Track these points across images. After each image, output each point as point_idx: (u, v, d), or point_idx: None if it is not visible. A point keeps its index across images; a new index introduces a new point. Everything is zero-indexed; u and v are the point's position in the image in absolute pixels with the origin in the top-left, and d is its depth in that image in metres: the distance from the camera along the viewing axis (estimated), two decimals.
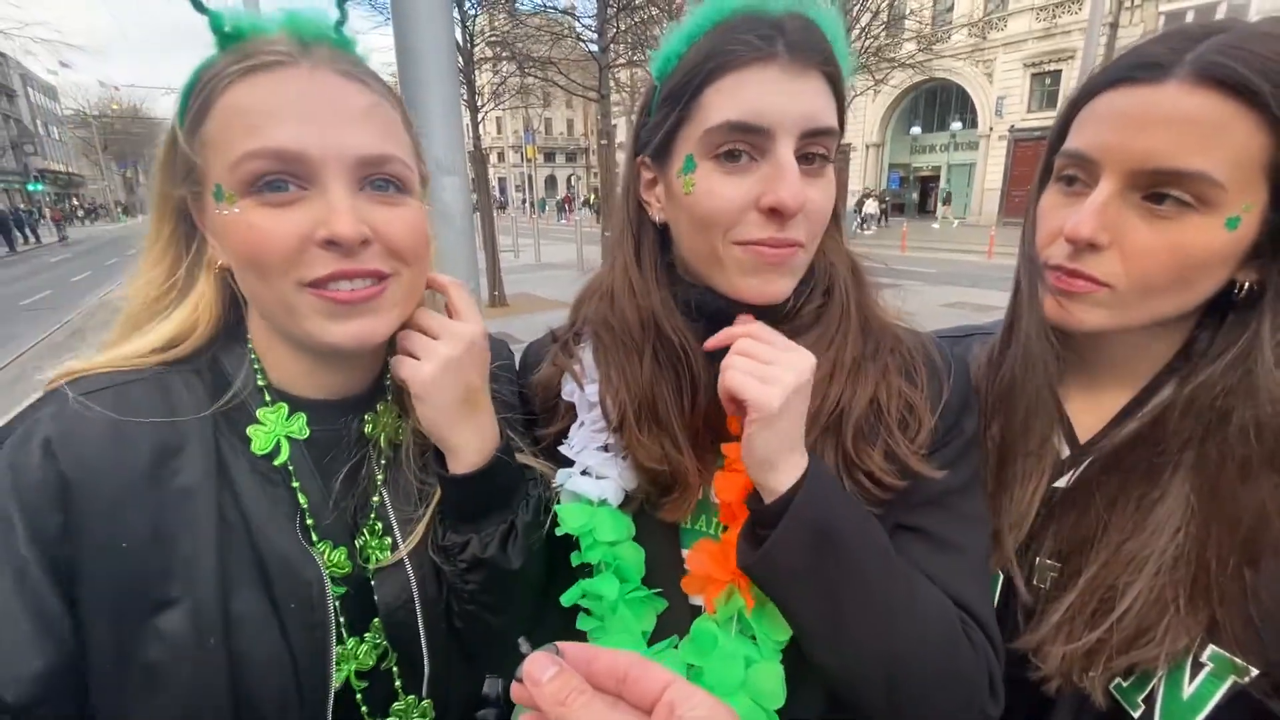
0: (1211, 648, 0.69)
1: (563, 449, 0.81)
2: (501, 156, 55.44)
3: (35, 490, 0.59)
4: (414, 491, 0.78)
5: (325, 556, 0.71)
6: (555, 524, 0.79)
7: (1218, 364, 0.71)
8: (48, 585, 0.59)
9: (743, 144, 0.67)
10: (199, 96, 0.64)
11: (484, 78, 12.34)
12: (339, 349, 0.67)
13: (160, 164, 0.69)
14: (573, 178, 61.89)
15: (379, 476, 0.77)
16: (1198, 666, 0.70)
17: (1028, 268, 0.81)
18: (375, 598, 0.73)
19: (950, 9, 25.18)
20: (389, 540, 0.75)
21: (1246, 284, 0.71)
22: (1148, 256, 0.69)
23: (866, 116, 29.26)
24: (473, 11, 9.86)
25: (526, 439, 0.85)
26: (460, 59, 9.58)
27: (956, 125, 27.70)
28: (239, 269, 0.66)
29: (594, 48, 9.70)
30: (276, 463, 0.70)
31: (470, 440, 0.73)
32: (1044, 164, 0.83)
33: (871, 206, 24.90)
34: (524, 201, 46.58)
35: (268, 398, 0.72)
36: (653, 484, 0.76)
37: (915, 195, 32.43)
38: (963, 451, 0.76)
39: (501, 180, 54.87)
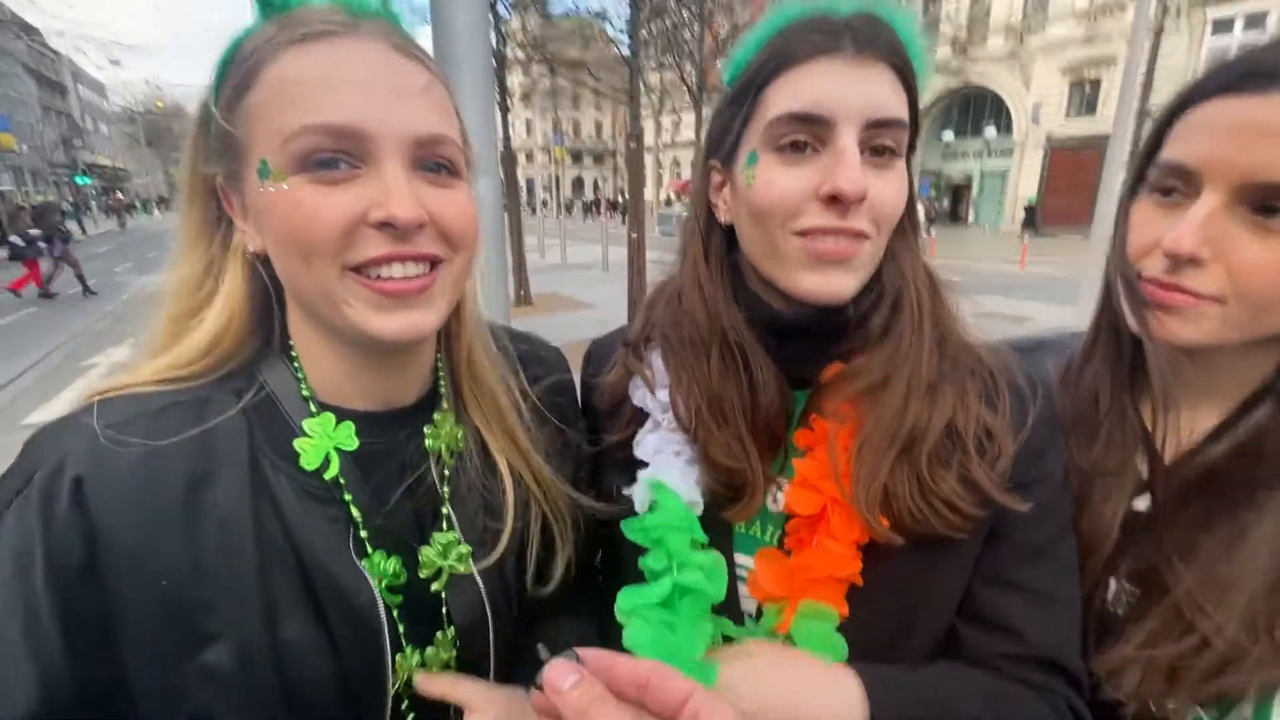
0: None
1: (637, 451, 0.78)
2: (530, 157, 55.90)
3: (63, 530, 0.56)
4: (479, 500, 0.75)
5: (380, 568, 0.67)
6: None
7: None
8: (56, 629, 0.55)
9: (804, 134, 0.66)
10: (242, 66, 0.59)
11: (514, 79, 12.46)
12: (385, 342, 0.63)
13: (192, 141, 0.65)
14: (599, 179, 62.15)
15: (444, 489, 0.74)
16: None
17: (1121, 281, 0.78)
18: (445, 609, 0.72)
19: (988, 13, 24.71)
20: (464, 550, 0.72)
21: None
22: (1258, 271, 0.66)
23: None
24: (506, 14, 9.98)
25: (581, 460, 0.86)
26: (494, 61, 9.69)
27: (990, 132, 27.15)
28: (280, 252, 0.62)
29: (625, 50, 9.74)
30: (327, 476, 0.66)
31: None
32: (1135, 173, 0.80)
33: (919, 213, 24.36)
34: (550, 201, 46.92)
35: (313, 408, 0.68)
36: (725, 484, 0.74)
37: (947, 202, 31.86)
38: (1054, 492, 0.73)
39: (530, 181, 55.33)
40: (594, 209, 44.62)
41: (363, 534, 0.67)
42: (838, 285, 0.68)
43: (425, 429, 0.74)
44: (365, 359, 0.69)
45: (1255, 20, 17.36)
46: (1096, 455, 0.81)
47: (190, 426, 0.62)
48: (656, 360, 0.81)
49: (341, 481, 0.67)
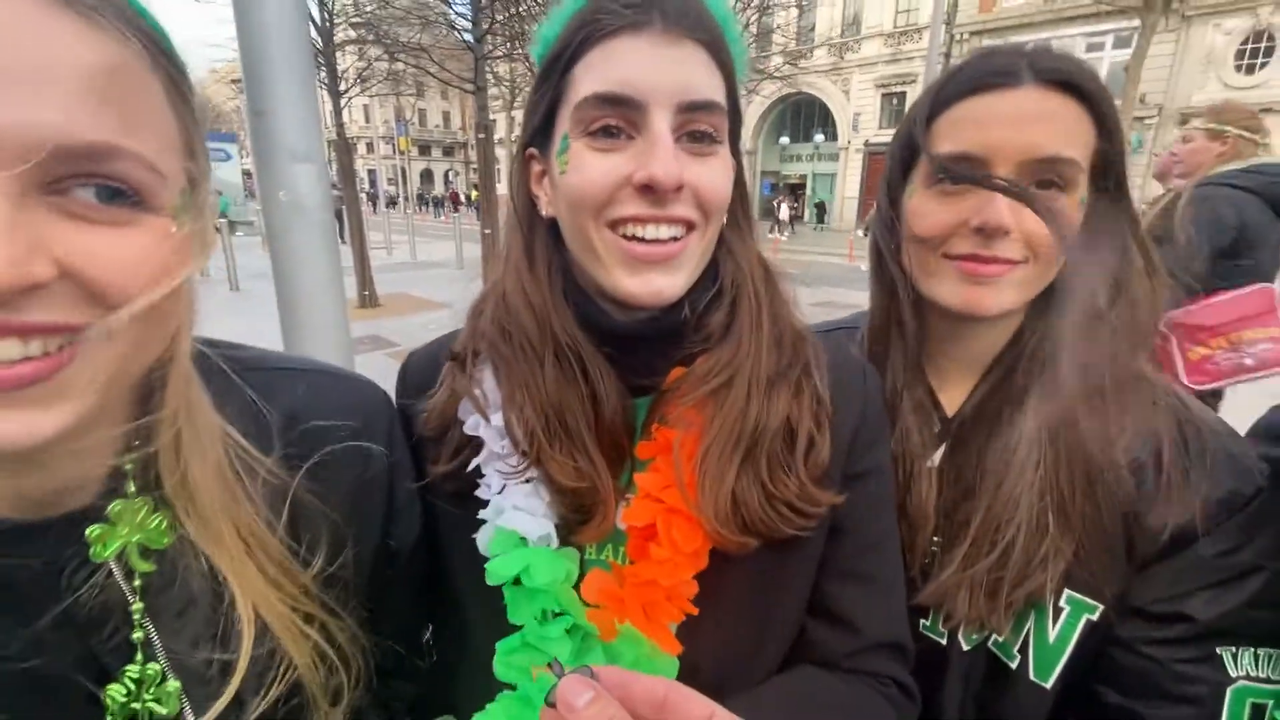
0: (1067, 592, 0.79)
1: (481, 492, 0.70)
2: (371, 147, 51.99)
3: None
4: (200, 617, 0.56)
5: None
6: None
7: (1057, 320, 0.81)
8: None
9: (615, 119, 0.62)
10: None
11: (347, 60, 11.47)
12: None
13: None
14: (450, 172, 59.40)
15: (135, 604, 0.53)
16: (1058, 611, 0.80)
17: (908, 261, 0.85)
18: None
19: (813, 28, 27.09)
20: (172, 688, 0.55)
21: None
22: (1043, 236, 0.76)
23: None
24: None
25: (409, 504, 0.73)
26: (319, 39, 8.84)
27: (819, 137, 29.84)
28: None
29: (469, 37, 9.33)
30: None
31: None
32: (900, 170, 0.88)
33: (784, 211, 26.05)
34: (398, 196, 44.00)
35: None
36: (574, 509, 0.68)
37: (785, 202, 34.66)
38: (885, 481, 0.77)
39: (372, 172, 51.49)
40: (440, 203, 42.33)
41: None
42: (659, 286, 0.65)
43: (92, 530, 0.51)
44: None
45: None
46: (902, 436, 0.88)
47: None
48: (487, 377, 0.72)
49: None
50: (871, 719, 0.70)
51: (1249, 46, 18.14)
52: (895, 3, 25.71)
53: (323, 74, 9.27)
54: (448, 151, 59.21)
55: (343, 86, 10.19)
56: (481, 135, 8.52)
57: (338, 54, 10.03)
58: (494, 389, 0.71)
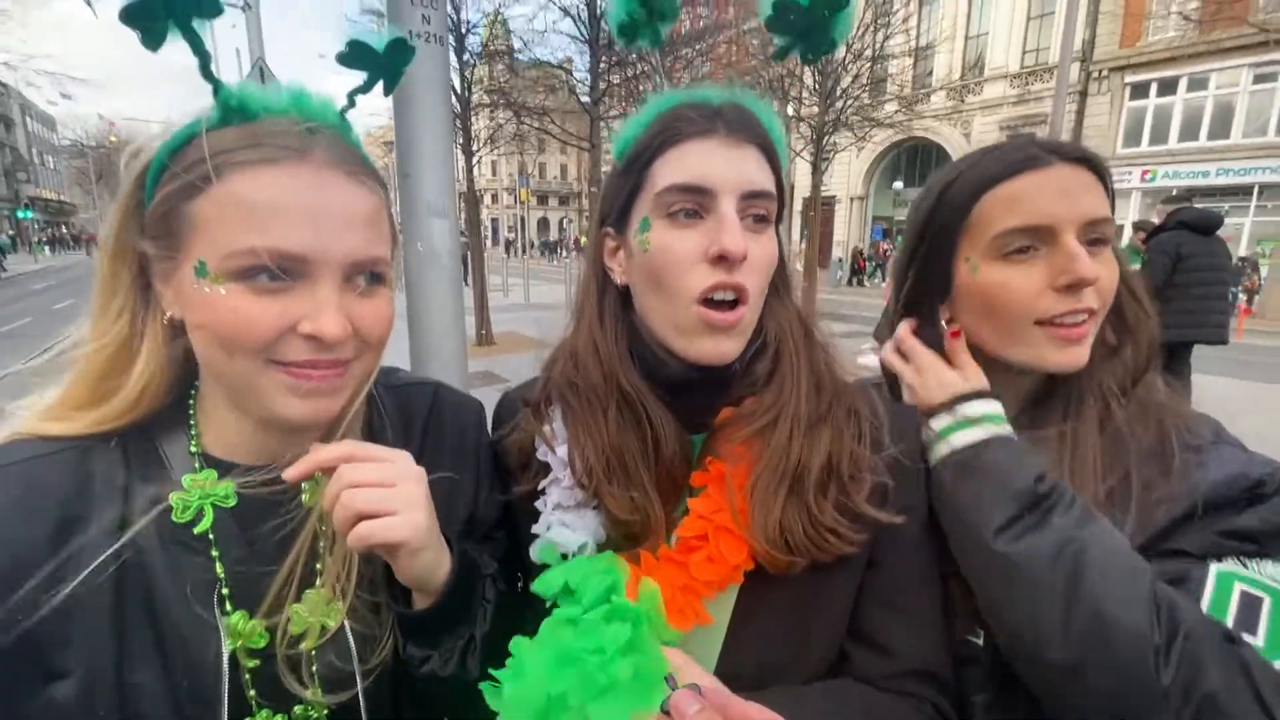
0: None
1: (538, 504, 0.83)
2: (495, 198, 56.29)
3: None
4: (354, 558, 0.75)
5: (236, 627, 0.69)
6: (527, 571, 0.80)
7: None
8: None
9: (690, 203, 0.74)
10: (194, 168, 0.61)
11: (480, 122, 12.67)
12: (295, 425, 0.68)
13: (124, 211, 0.66)
14: (565, 220, 62.89)
15: (323, 542, 0.75)
16: None
17: (1029, 329, 0.88)
18: (314, 668, 0.71)
19: (930, 73, 26.41)
20: (338, 607, 0.73)
21: None
22: (1110, 285, 0.87)
23: (851, 171, 30.19)
24: (471, 62, 10.21)
25: (492, 493, 0.89)
26: (457, 105, 9.85)
27: None
28: (204, 341, 0.65)
29: (586, 99, 10.05)
30: (197, 530, 0.69)
31: (432, 574, 0.70)
32: (941, 241, 0.93)
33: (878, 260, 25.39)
34: (514, 242, 47.10)
35: (197, 465, 0.71)
36: (624, 536, 0.79)
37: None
38: (921, 521, 0.82)
39: (494, 220, 55.57)
40: (556, 249, 44.75)
41: (224, 591, 0.69)
42: (726, 349, 0.76)
43: (304, 484, 0.73)
44: (263, 427, 0.72)
45: (1167, 86, 18.99)
46: None
47: (69, 474, 0.66)
48: (557, 418, 0.85)
49: (211, 537, 0.69)
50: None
51: None
52: (1023, 42, 24.56)
53: (459, 136, 10.28)
54: (563, 201, 62.87)
55: (475, 146, 11.24)
56: (594, 188, 9.04)
57: (472, 117, 11.11)
58: (562, 428, 0.83)
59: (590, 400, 0.81)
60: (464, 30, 9.67)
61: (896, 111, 15.73)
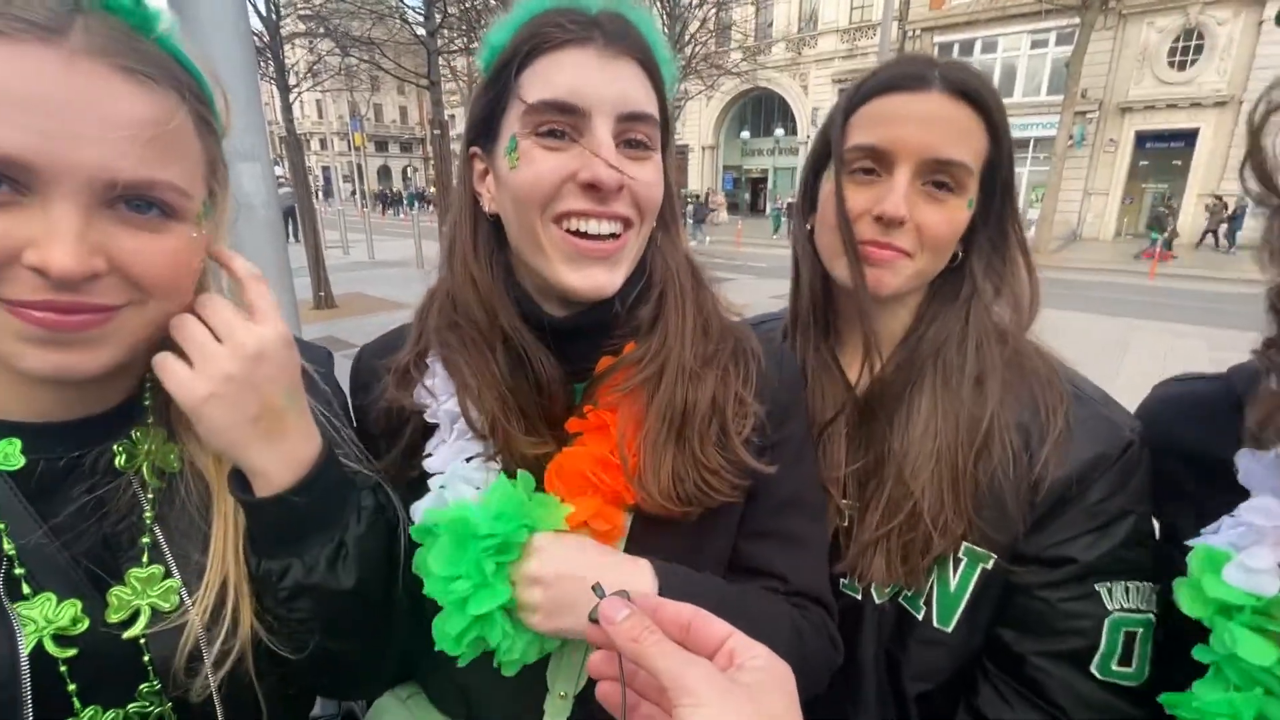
0: (965, 544, 0.88)
1: (427, 465, 0.75)
2: (325, 144, 50.56)
3: None
4: (198, 531, 0.66)
5: (42, 614, 0.59)
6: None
7: (949, 307, 0.93)
8: None
9: (561, 123, 0.67)
10: None
11: (296, 54, 11.13)
12: (42, 379, 0.57)
13: None
14: (409, 169, 58.20)
15: (148, 513, 0.65)
16: (957, 562, 0.88)
17: (844, 243, 0.89)
18: (146, 657, 0.62)
19: (770, 24, 27.39)
20: (173, 584, 0.64)
21: (959, 253, 0.92)
22: (935, 230, 0.86)
23: (701, 120, 30.89)
24: None
25: (354, 447, 0.77)
26: (265, 31, 8.55)
27: (780, 132, 30.21)
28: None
29: (421, 31, 9.14)
30: None
31: (274, 461, 0.63)
32: (817, 160, 0.96)
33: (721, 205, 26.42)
34: (353, 193, 42.78)
35: None
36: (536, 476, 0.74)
37: (747, 195, 34.89)
38: (797, 449, 0.83)
39: (326, 169, 50.11)
40: (398, 201, 41.00)
41: (18, 571, 0.59)
42: (600, 281, 0.70)
43: (116, 445, 0.65)
44: (35, 379, 0.59)
45: (966, 47, 21.41)
46: (814, 408, 0.97)
47: None
48: (438, 371, 0.77)
49: None
50: (797, 629, 0.77)
51: (1180, 44, 19.04)
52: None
53: (270, 68, 8.97)
54: (405, 147, 57.95)
55: (291, 81, 9.88)
56: (437, 131, 8.38)
57: (285, 47, 9.71)
58: (445, 379, 0.76)
59: (475, 339, 0.74)
60: None
61: (742, 60, 16.17)
